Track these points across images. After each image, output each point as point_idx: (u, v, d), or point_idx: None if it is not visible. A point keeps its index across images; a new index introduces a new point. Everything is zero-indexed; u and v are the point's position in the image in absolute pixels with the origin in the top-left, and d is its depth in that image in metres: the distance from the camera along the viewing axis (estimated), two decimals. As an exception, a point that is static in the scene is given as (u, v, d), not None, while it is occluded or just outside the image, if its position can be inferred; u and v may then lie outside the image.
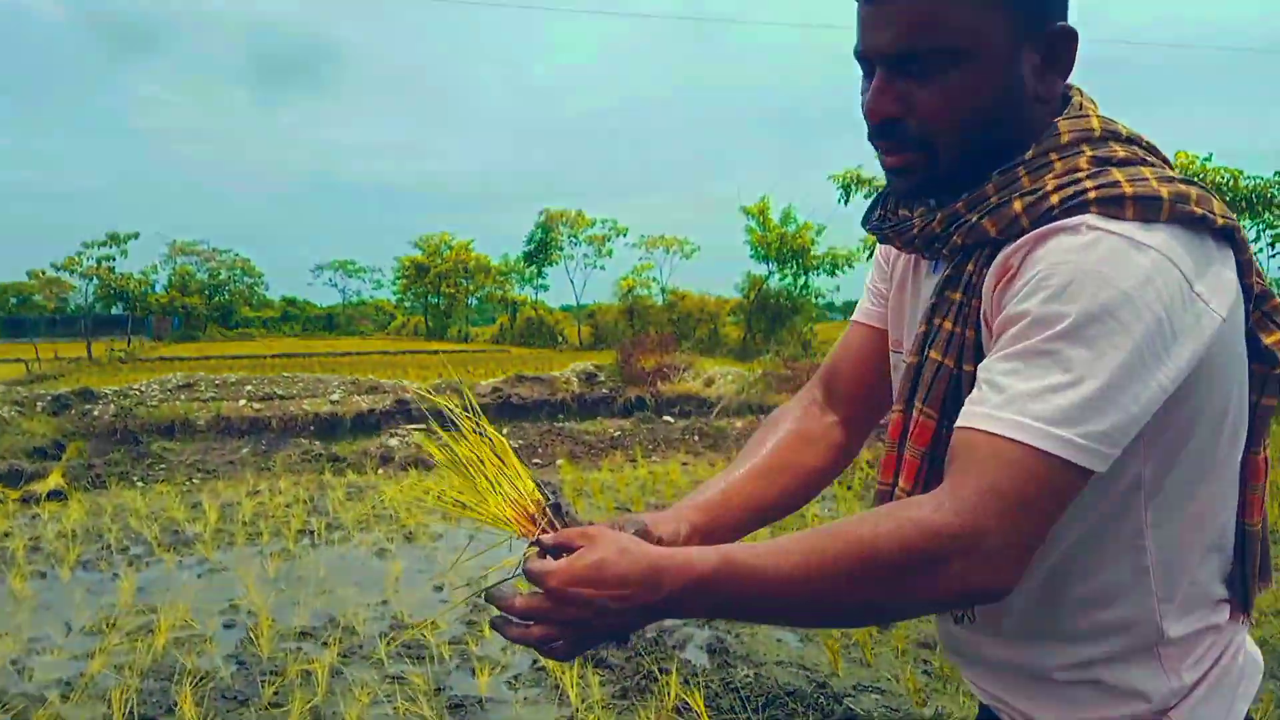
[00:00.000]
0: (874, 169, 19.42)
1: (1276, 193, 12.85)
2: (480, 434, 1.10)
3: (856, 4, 1.00)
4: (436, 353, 33.94)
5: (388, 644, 4.07)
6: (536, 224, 39.84)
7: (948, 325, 1.03)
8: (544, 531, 0.99)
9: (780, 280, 27.21)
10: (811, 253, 26.50)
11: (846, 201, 19.48)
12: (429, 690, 3.56)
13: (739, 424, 10.26)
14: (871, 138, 1.03)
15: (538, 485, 1.04)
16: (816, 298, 27.79)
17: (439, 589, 4.99)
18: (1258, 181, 13.07)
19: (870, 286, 1.37)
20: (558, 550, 0.92)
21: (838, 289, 29.17)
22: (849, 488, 7.46)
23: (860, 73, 1.03)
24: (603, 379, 18.08)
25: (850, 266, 26.47)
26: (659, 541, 1.04)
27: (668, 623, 4.33)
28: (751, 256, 27.04)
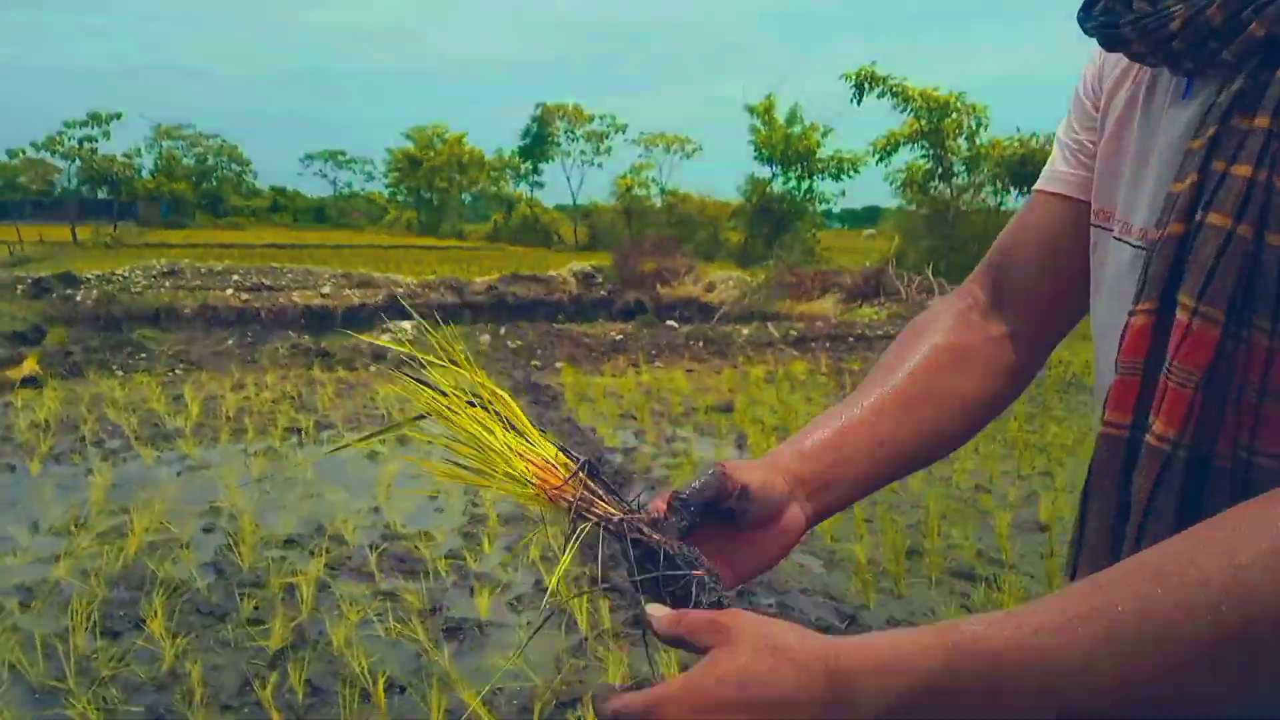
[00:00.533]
0: (889, 66, 18.58)
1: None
2: (474, 403, 0.77)
3: None
4: (430, 248, 33.32)
5: (379, 556, 3.76)
6: (533, 118, 38.61)
7: (1241, 171, 0.63)
8: (580, 498, 0.75)
9: (784, 184, 26.48)
10: (817, 155, 25.69)
11: (859, 101, 18.66)
12: (423, 610, 3.27)
13: (745, 330, 9.89)
14: None
15: (561, 449, 0.76)
16: (821, 203, 27.11)
17: (435, 496, 4.68)
18: None
19: (1064, 140, 0.92)
20: (678, 642, 0.62)
21: (843, 194, 28.52)
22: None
23: None
24: (601, 281, 17.63)
25: (856, 171, 25.74)
26: (741, 492, 0.75)
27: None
28: (755, 158, 26.21)
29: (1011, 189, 17.51)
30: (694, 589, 0.66)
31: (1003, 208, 18.40)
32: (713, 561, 0.71)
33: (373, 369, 8.13)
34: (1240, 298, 0.62)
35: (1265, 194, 0.61)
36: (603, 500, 0.76)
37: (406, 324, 9.20)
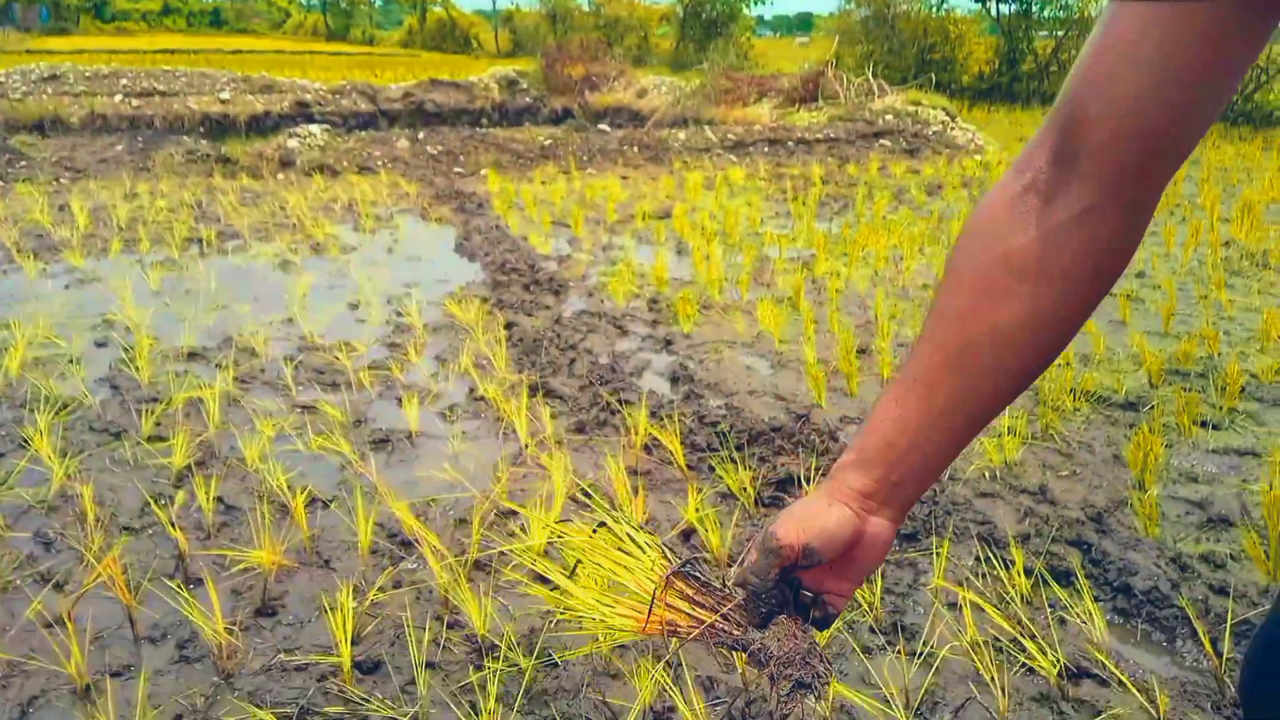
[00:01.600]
0: None
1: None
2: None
3: None
4: (339, 55, 31.01)
5: (295, 368, 3.46)
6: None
7: None
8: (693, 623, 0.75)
9: (716, -17, 24.95)
10: (752, -46, 24.15)
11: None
12: (346, 423, 3.01)
13: (681, 136, 9.40)
14: None
15: (662, 550, 0.78)
16: (756, 3, 25.72)
17: (354, 307, 4.33)
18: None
19: None
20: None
21: (771, 3, 27.04)
22: (803, 203, 6.87)
23: None
24: (526, 87, 16.60)
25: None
26: (806, 550, 0.74)
27: (620, 347, 3.81)
28: (687, -44, 24.52)
29: (955, -13, 16.72)
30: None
31: (945, 7, 17.67)
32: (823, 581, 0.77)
33: (280, 176, 7.50)
34: None
35: None
36: (702, 598, 0.76)
37: (315, 128, 8.48)
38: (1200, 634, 1.90)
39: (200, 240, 5.47)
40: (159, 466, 2.70)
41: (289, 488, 2.50)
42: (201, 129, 11.43)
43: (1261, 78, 12.74)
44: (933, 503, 2.42)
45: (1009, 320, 0.70)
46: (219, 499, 2.48)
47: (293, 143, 8.10)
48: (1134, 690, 1.75)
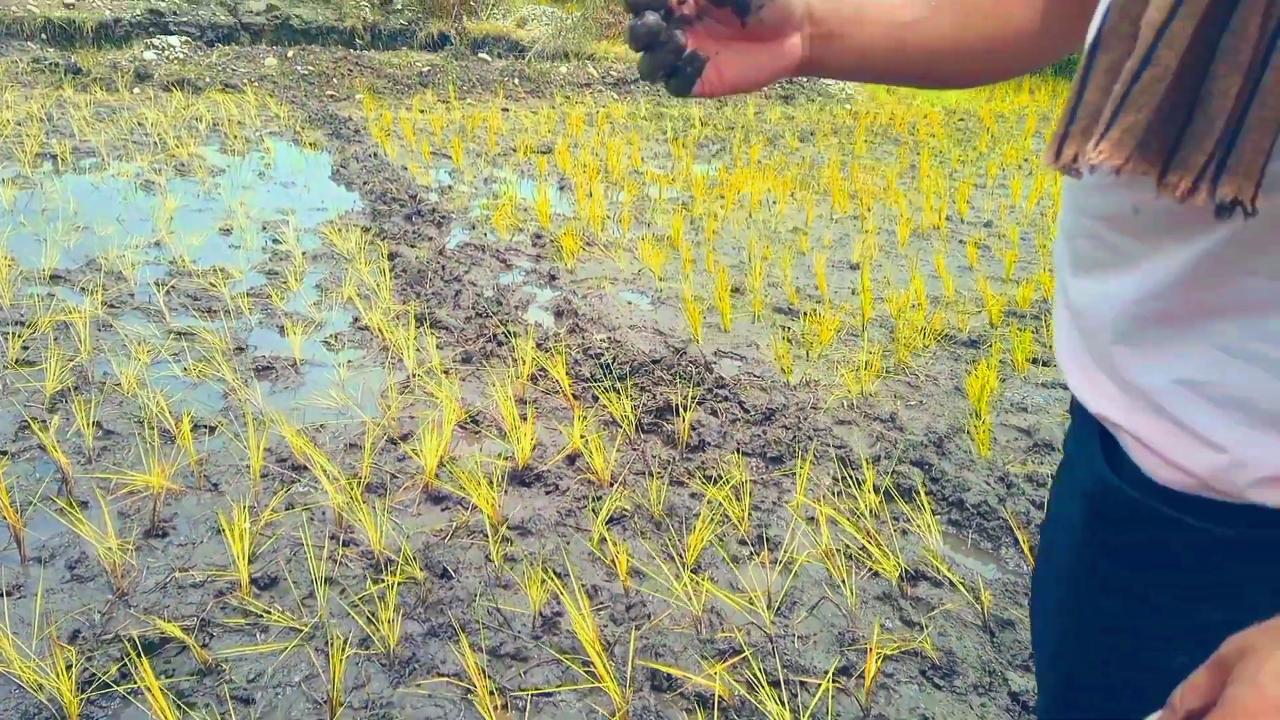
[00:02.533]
0: None
1: None
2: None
3: None
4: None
5: (167, 293, 3.38)
6: None
7: None
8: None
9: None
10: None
11: None
12: (227, 349, 2.99)
13: (563, 69, 9.33)
14: None
15: None
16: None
17: (227, 232, 4.22)
18: None
19: None
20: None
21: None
22: (683, 145, 7.01)
23: None
24: (400, 7, 15.95)
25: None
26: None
27: (505, 280, 3.88)
28: (570, -121, 23.86)
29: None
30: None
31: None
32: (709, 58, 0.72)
33: (137, 90, 7.07)
34: None
35: None
36: None
37: (174, 39, 7.98)
38: (1021, 542, 2.19)
39: (54, 156, 5.15)
40: (31, 390, 2.63)
41: (171, 413, 2.49)
42: (44, 35, 10.54)
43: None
44: (796, 429, 2.64)
45: (987, 3, 0.77)
46: (98, 424, 2.46)
47: (149, 54, 7.62)
48: (963, 589, 2.02)
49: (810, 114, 9.03)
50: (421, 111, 7.51)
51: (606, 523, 2.18)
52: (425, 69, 8.46)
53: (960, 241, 4.96)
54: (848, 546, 2.15)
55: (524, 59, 12.86)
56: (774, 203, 5.51)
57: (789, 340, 3.44)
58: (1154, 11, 0.54)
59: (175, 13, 12.79)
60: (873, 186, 6.12)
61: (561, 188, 5.59)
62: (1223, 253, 0.57)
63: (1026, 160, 7.39)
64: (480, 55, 9.81)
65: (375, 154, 5.88)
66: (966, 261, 4.59)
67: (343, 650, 1.71)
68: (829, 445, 2.58)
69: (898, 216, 5.34)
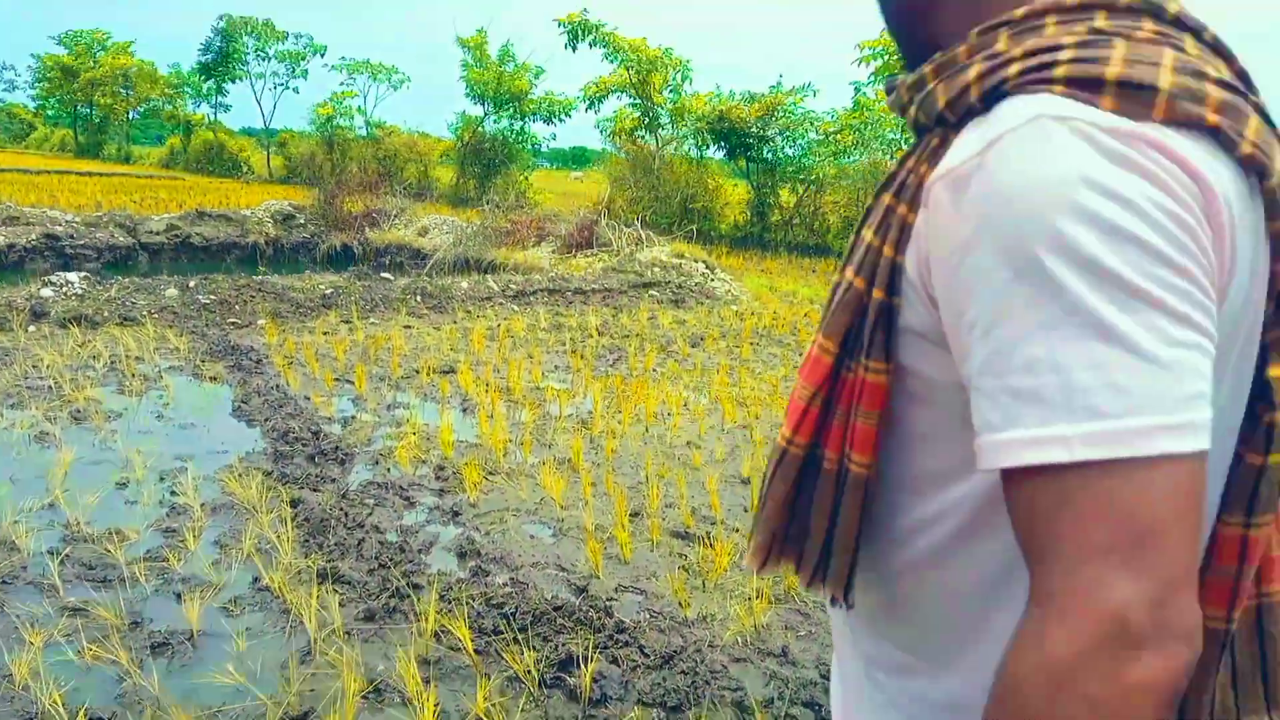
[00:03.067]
0: (600, 14, 18.79)
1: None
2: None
3: None
4: (91, 174, 29.22)
5: (62, 563, 3.34)
6: (215, 30, 34.56)
7: (865, 235, 0.81)
8: None
9: (496, 123, 26.08)
10: (530, 97, 25.53)
11: (574, 48, 18.73)
12: (122, 625, 2.96)
13: (464, 284, 9.74)
14: None
15: None
16: (533, 145, 27.03)
17: (123, 485, 4.21)
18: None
19: None
20: None
21: (554, 137, 28.61)
22: (581, 356, 7.34)
23: None
24: (302, 221, 16.46)
25: (568, 115, 25.90)
26: None
27: (409, 520, 3.97)
28: (466, 95, 25.51)
29: (711, 143, 18.54)
30: None
31: (704, 159, 19.44)
32: None
33: (32, 329, 7.07)
34: (851, 337, 0.78)
35: (875, 255, 0.76)
36: None
37: (73, 275, 8.07)
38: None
39: (-61, 410, 5.08)
40: (-91, 694, 2.55)
41: (65, 706, 2.45)
42: (-70, 265, 10.47)
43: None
44: (694, 673, 2.75)
45: None
46: (-16, 728, 2.39)
47: (47, 291, 7.67)
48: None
49: (699, 317, 9.59)
50: (325, 334, 7.69)
51: (512, 797, 2.21)
52: (328, 290, 8.72)
53: (843, 447, 5.28)
54: (746, 801, 2.23)
55: (422, 266, 13.35)
56: (669, 415, 5.80)
57: (686, 570, 3.60)
58: (768, 460, 0.88)
59: (73, 236, 12.93)
60: (760, 393, 6.50)
61: (464, 410, 5.77)
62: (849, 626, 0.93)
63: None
64: (383, 275, 10.17)
65: (277, 385, 5.98)
66: (849, 469, 4.88)
67: None
68: (725, 689, 2.69)
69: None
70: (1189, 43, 0.70)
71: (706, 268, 11.78)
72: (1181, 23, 0.71)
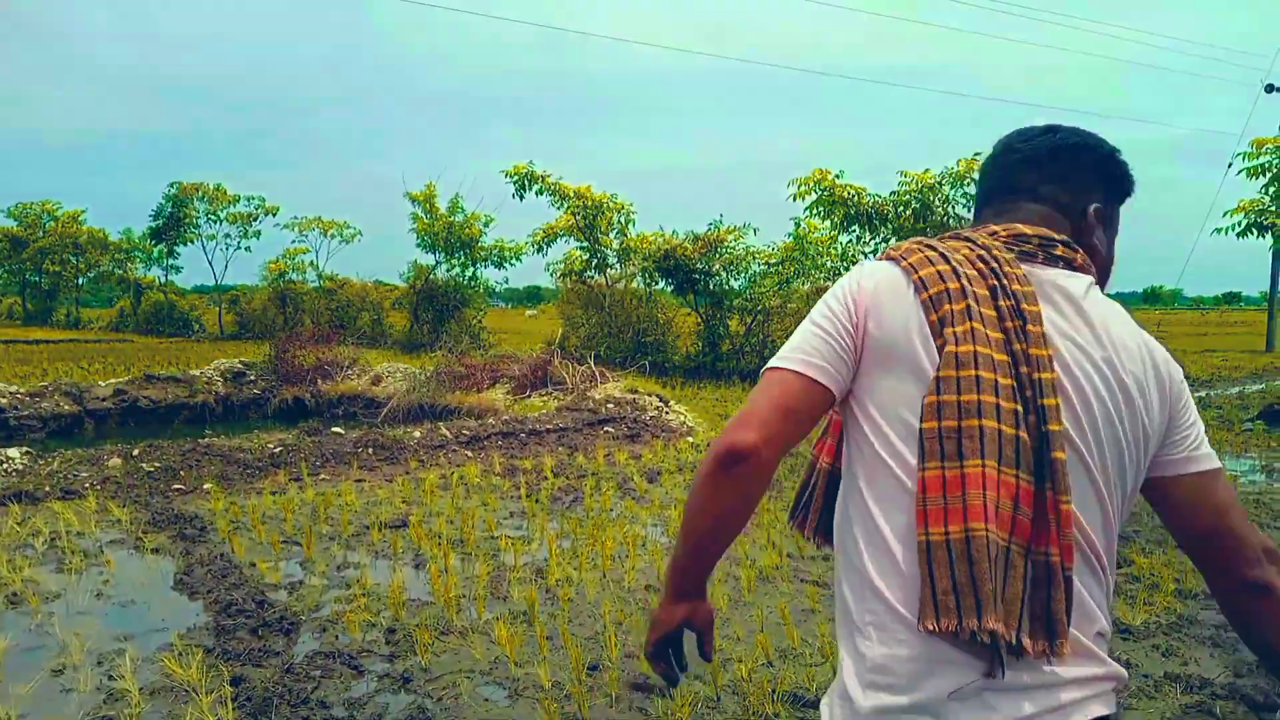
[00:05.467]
0: (545, 166, 19.56)
1: (891, 210, 14.68)
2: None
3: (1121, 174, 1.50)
4: (39, 342, 28.96)
5: (-15, 767, 3.15)
6: (166, 197, 35.13)
7: None
8: None
9: (448, 270, 26.56)
10: (480, 244, 26.13)
11: (521, 197, 19.36)
12: (49, 832, 2.77)
13: (417, 433, 9.69)
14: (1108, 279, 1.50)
15: None
16: (485, 290, 27.48)
17: (59, 673, 4.02)
18: (877, 199, 14.85)
19: None
20: None
21: (506, 280, 29.14)
22: (537, 500, 7.28)
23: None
24: (253, 377, 16.39)
25: (519, 260, 26.49)
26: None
27: (357, 691, 3.82)
28: (418, 245, 26.05)
29: (659, 279, 19.02)
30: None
31: (653, 293, 19.89)
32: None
33: (-32, 510, 6.85)
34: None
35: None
36: None
37: (14, 451, 7.90)
38: None
39: None
40: None
41: None
42: None
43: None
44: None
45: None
46: None
47: (-16, 468, 7.48)
48: None
49: (655, 451, 9.61)
50: (273, 495, 7.56)
51: None
52: (277, 449, 8.62)
53: (802, 580, 5.26)
54: None
55: (376, 415, 13.28)
56: (626, 555, 5.73)
57: (646, 723, 3.49)
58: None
59: (16, 408, 12.71)
60: (718, 526, 6.47)
61: (417, 566, 5.65)
62: None
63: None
64: (334, 429, 10.09)
65: (222, 554, 5.82)
66: (808, 603, 4.85)
67: None
68: None
69: (741, 559, 5.64)
70: (957, 244, 1.42)
71: (660, 401, 11.89)
72: (964, 237, 1.45)
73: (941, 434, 1.19)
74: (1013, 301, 1.28)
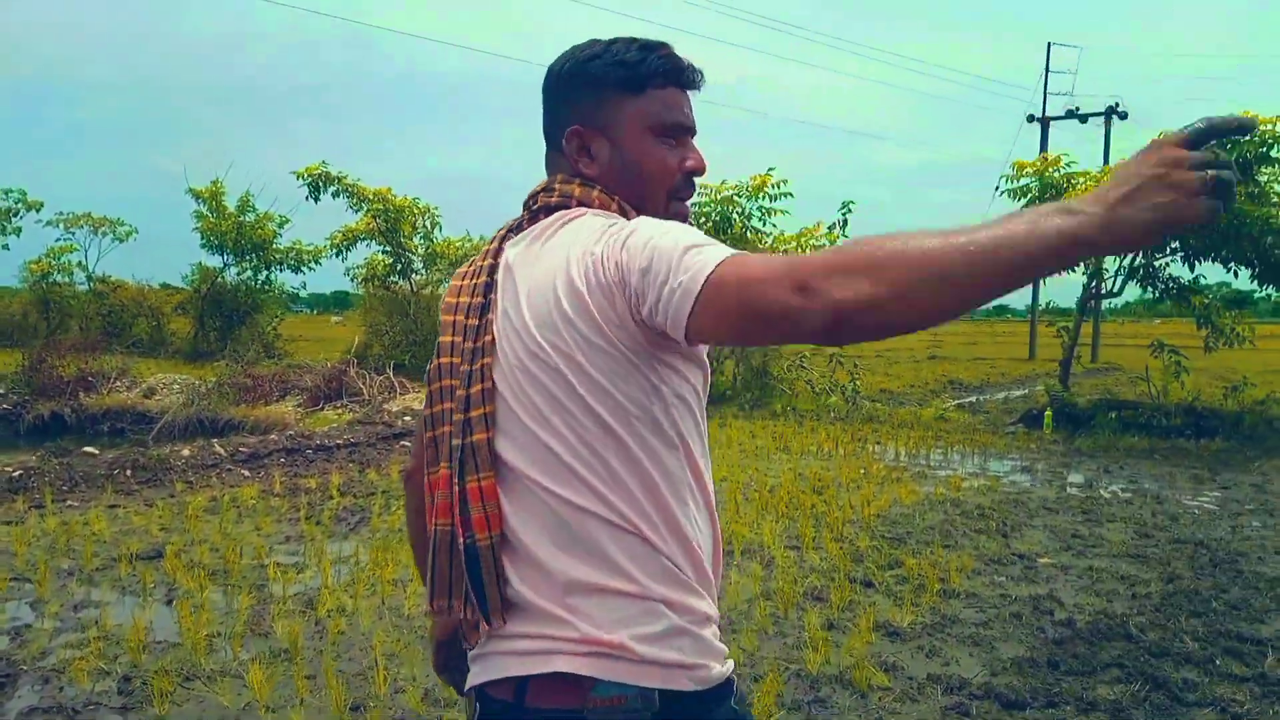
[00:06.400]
0: (342, 167, 18.61)
1: (692, 223, 14.92)
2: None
3: (667, 88, 1.31)
4: None
5: None
6: (-96, 188, 30.90)
7: None
8: None
9: (239, 273, 24.82)
10: (274, 246, 24.58)
11: (316, 199, 18.35)
12: None
13: (186, 451, 8.87)
14: (684, 187, 1.35)
15: None
16: (281, 293, 25.89)
17: None
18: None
19: None
20: None
21: (304, 286, 27.53)
22: (317, 522, 6.79)
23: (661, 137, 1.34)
24: (4, 392, 14.59)
25: (317, 263, 25.12)
26: None
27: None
28: (203, 246, 24.14)
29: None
30: None
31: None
32: None
33: None
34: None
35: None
36: None
37: None
38: None
39: None
40: None
41: None
42: None
43: (713, 363, 15.69)
44: None
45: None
46: None
47: None
48: None
49: (453, 465, 9.26)
50: (7, 524, 6.66)
51: None
52: (17, 473, 7.63)
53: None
54: None
55: (149, 432, 12.12)
56: (409, 581, 5.42)
57: (409, 767, 3.24)
58: None
59: None
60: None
61: (169, 602, 5.09)
62: None
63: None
64: (86, 449, 9.07)
65: (-71, 597, 5.03)
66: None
67: None
68: None
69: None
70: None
71: (461, 413, 11.53)
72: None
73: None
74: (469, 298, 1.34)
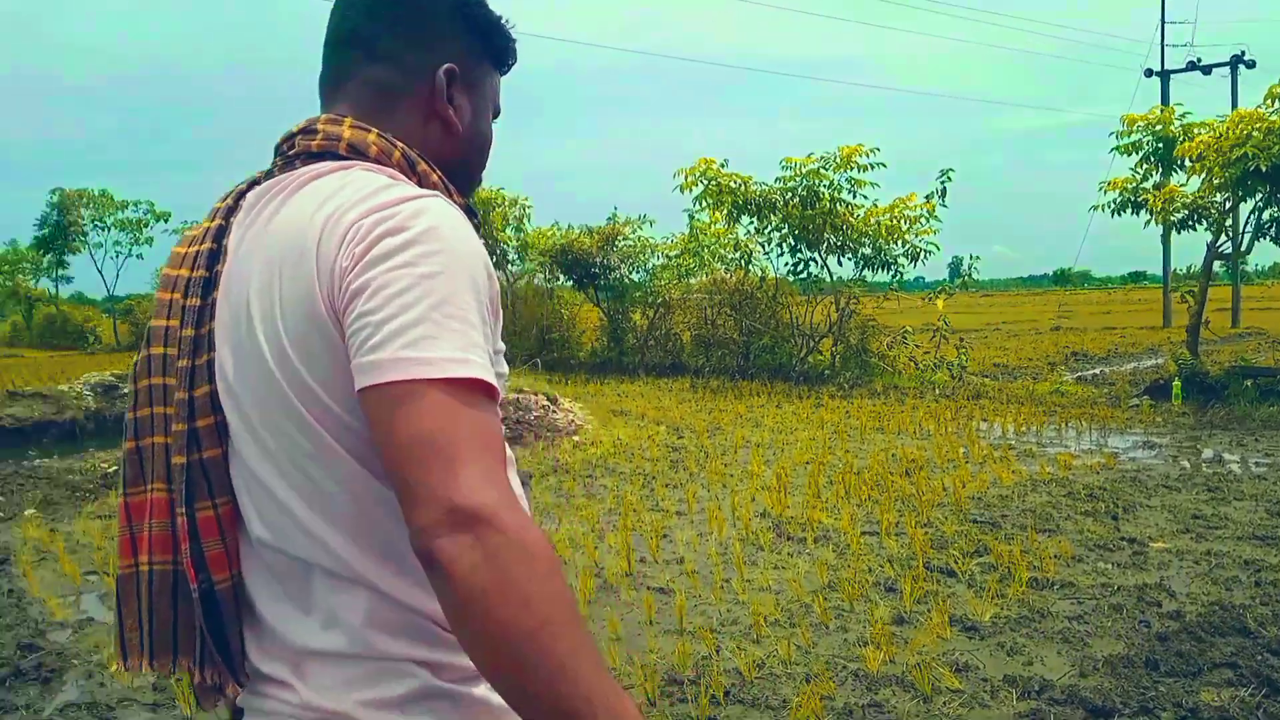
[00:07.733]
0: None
1: (778, 198, 14.44)
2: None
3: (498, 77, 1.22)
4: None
5: None
6: (49, 204, 33.26)
7: None
8: None
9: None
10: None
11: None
12: None
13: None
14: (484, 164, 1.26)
15: None
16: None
17: None
18: (763, 187, 14.60)
19: None
20: None
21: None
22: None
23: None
24: (126, 390, 15.41)
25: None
26: None
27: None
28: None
29: (560, 274, 18.55)
30: None
31: (554, 291, 19.38)
32: None
33: None
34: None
35: None
36: None
37: None
38: None
39: None
40: None
41: None
42: None
43: (810, 343, 15.18)
44: None
45: None
46: None
47: None
48: None
49: (536, 453, 9.17)
50: (92, 518, 6.91)
51: None
52: (112, 469, 7.94)
53: (649, 589, 4.86)
54: None
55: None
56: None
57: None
58: None
59: None
60: (577, 532, 6.08)
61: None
62: None
63: (731, 475, 7.70)
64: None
65: (11, 590, 5.22)
66: (645, 614, 4.47)
67: None
68: None
69: (592, 567, 5.25)
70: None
71: (548, 399, 11.45)
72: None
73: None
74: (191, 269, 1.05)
